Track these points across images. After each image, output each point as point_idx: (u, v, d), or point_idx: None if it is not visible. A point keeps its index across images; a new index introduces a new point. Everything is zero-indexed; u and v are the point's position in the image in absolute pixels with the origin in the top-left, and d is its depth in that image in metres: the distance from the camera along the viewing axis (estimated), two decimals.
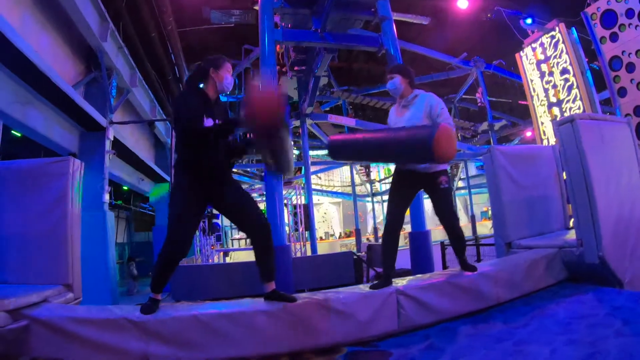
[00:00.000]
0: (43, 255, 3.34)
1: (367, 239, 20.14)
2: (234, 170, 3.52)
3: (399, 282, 3.41)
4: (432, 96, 3.47)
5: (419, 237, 7.48)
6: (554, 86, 9.80)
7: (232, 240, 17.53)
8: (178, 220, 2.84)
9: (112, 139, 10.30)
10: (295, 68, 11.46)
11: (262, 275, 2.99)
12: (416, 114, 3.43)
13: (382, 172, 24.51)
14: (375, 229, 20.94)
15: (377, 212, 22.76)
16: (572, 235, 4.27)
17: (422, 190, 3.72)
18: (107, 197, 9.92)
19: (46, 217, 3.40)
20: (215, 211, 11.06)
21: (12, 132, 8.16)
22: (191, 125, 2.81)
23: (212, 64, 3.07)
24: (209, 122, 2.88)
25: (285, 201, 12.47)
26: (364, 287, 3.31)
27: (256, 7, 10.28)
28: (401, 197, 3.62)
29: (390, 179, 22.63)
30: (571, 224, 4.85)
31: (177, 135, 2.94)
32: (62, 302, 3.12)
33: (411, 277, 3.71)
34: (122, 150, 11.69)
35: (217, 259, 12.78)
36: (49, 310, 2.76)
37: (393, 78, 3.54)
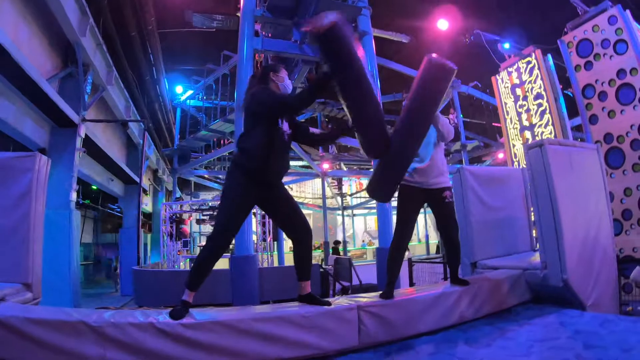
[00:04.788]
0: (2, 252, 3.24)
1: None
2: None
3: (363, 298, 3.40)
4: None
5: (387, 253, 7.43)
6: (527, 110, 10.03)
7: (199, 247, 17.25)
8: (227, 217, 3.02)
9: (83, 136, 10.10)
10: None
11: (302, 274, 3.25)
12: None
13: (355, 186, 24.53)
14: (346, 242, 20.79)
15: (347, 225, 22.71)
16: (537, 257, 4.32)
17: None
18: (74, 195, 9.69)
19: (8, 213, 3.31)
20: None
21: None
22: (287, 101, 3.07)
23: (271, 68, 3.34)
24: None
25: (253, 210, 12.36)
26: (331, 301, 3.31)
27: (239, 14, 10.29)
28: (409, 213, 3.75)
29: (361, 194, 22.66)
30: (538, 245, 4.94)
31: (255, 128, 3.07)
32: (20, 302, 3.03)
33: (376, 293, 3.72)
34: (93, 149, 11.48)
35: (182, 265, 12.58)
36: (5, 309, 2.66)
37: None
